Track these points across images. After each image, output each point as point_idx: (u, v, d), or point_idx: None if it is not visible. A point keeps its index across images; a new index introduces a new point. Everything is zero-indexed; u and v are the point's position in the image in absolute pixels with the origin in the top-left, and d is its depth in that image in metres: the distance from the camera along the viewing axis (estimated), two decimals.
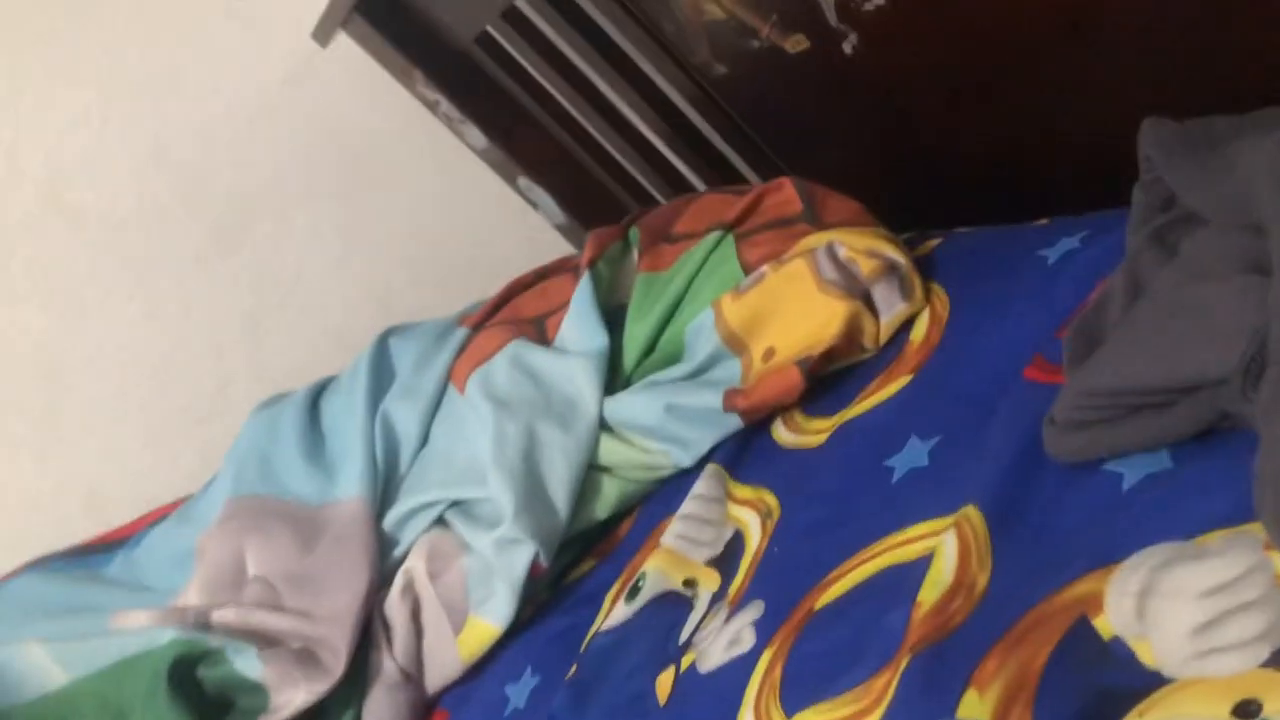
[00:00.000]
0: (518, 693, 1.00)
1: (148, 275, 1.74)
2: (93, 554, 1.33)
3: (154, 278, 1.74)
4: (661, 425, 1.04)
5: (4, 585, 1.27)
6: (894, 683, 0.63)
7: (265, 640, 1.08)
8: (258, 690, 1.05)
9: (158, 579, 1.24)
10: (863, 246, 0.99)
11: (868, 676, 0.66)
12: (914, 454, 0.84)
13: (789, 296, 1.00)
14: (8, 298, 1.67)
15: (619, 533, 1.08)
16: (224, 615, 1.12)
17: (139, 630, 1.11)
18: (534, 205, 1.69)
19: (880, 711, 0.63)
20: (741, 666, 0.79)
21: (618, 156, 1.56)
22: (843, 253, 1.00)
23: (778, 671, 0.76)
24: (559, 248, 1.69)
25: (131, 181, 1.68)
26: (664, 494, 1.06)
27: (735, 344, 1.03)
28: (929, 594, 0.68)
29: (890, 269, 0.98)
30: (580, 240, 1.64)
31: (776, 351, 1.01)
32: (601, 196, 1.63)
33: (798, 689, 0.72)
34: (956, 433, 0.84)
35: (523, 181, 1.67)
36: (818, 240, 1.02)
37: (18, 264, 1.66)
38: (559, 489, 1.05)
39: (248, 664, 1.06)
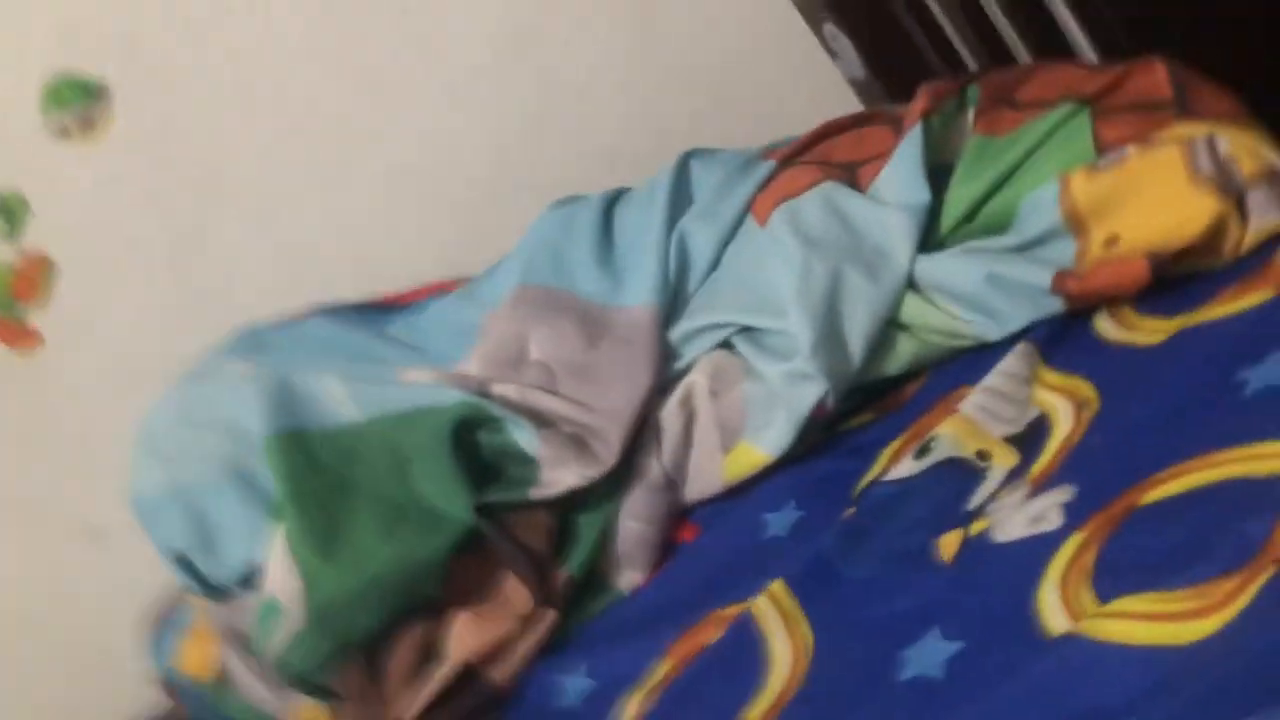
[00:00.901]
0: (778, 521, 1.01)
1: (446, 61, 1.78)
2: (374, 311, 1.40)
3: (451, 65, 1.78)
4: (977, 294, 1.01)
5: (298, 324, 1.36)
6: (1251, 589, 0.61)
7: (541, 420, 1.12)
8: (530, 464, 1.09)
9: (437, 346, 1.30)
10: (1247, 145, 0.92)
11: (1213, 576, 0.64)
12: (1277, 370, 0.78)
13: (1153, 183, 0.94)
14: (320, 69, 1.73)
15: (904, 393, 1.07)
16: (504, 389, 1.17)
17: (427, 386, 1.17)
18: (833, 54, 1.63)
19: (1230, 612, 0.61)
20: (1044, 544, 0.78)
21: (936, 10, 1.48)
22: (1224, 148, 0.92)
23: (1090, 555, 0.74)
24: (847, 105, 1.63)
25: None
26: (960, 364, 1.03)
27: (1076, 223, 0.98)
28: None
29: (1273, 174, 0.91)
30: (873, 99, 1.58)
31: (1121, 240, 0.96)
32: (907, 53, 1.55)
33: (1115, 576, 0.71)
34: None
35: (828, 28, 1.61)
36: (1196, 130, 0.94)
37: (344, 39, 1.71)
38: (857, 336, 1.04)
39: (525, 437, 1.10)
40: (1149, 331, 0.92)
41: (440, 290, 1.44)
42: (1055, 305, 0.98)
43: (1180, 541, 0.69)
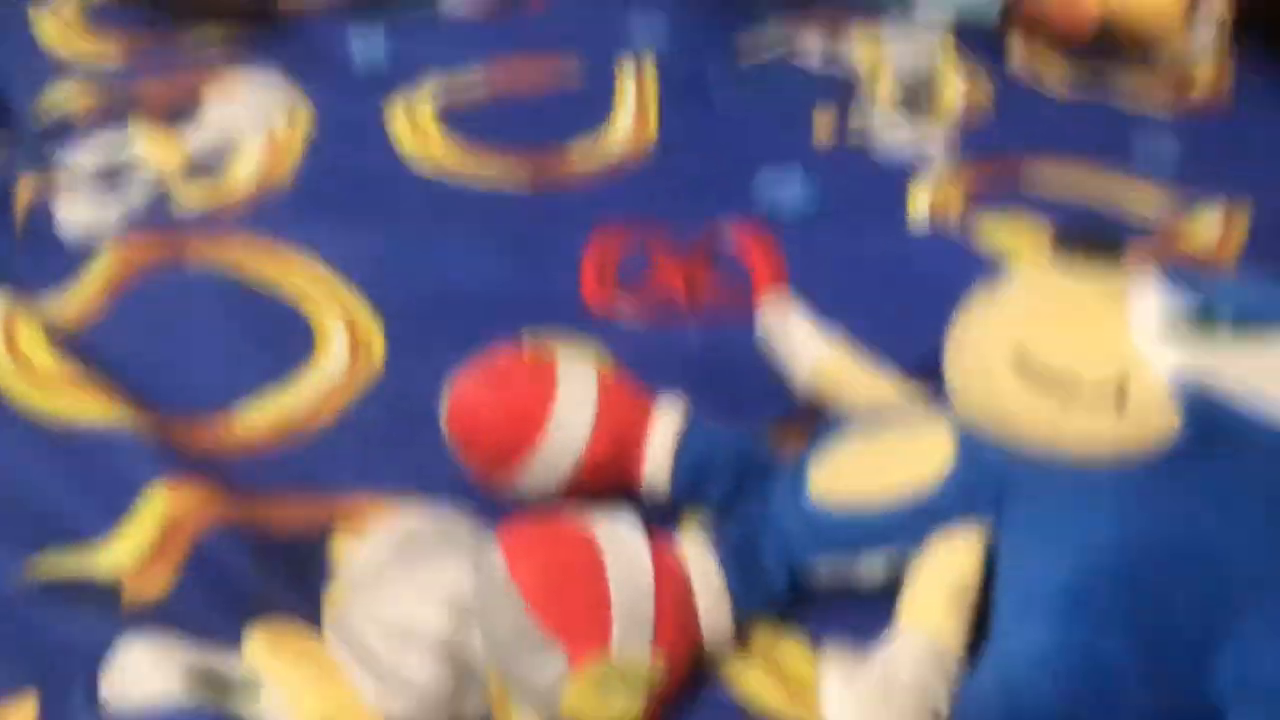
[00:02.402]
0: (645, 28, 0.95)
1: None
2: None
3: None
4: None
5: None
6: None
7: None
8: None
9: None
10: None
11: None
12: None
13: None
14: None
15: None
16: None
17: None
18: None
19: None
20: (921, 160, 0.80)
21: None
22: None
23: (966, 183, 0.77)
24: None
25: None
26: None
27: None
28: None
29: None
30: None
31: None
32: None
33: (989, 204, 0.74)
34: None
35: None
36: None
37: None
38: None
39: None
40: (1057, 79, 0.96)
41: None
42: (992, 12, 0.99)
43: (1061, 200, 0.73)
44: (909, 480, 0.44)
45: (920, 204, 0.75)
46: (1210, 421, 0.38)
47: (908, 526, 0.44)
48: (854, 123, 0.85)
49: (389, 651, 0.46)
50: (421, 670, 0.45)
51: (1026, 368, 0.40)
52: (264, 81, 0.87)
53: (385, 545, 0.50)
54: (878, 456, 0.46)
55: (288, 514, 0.52)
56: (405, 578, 0.48)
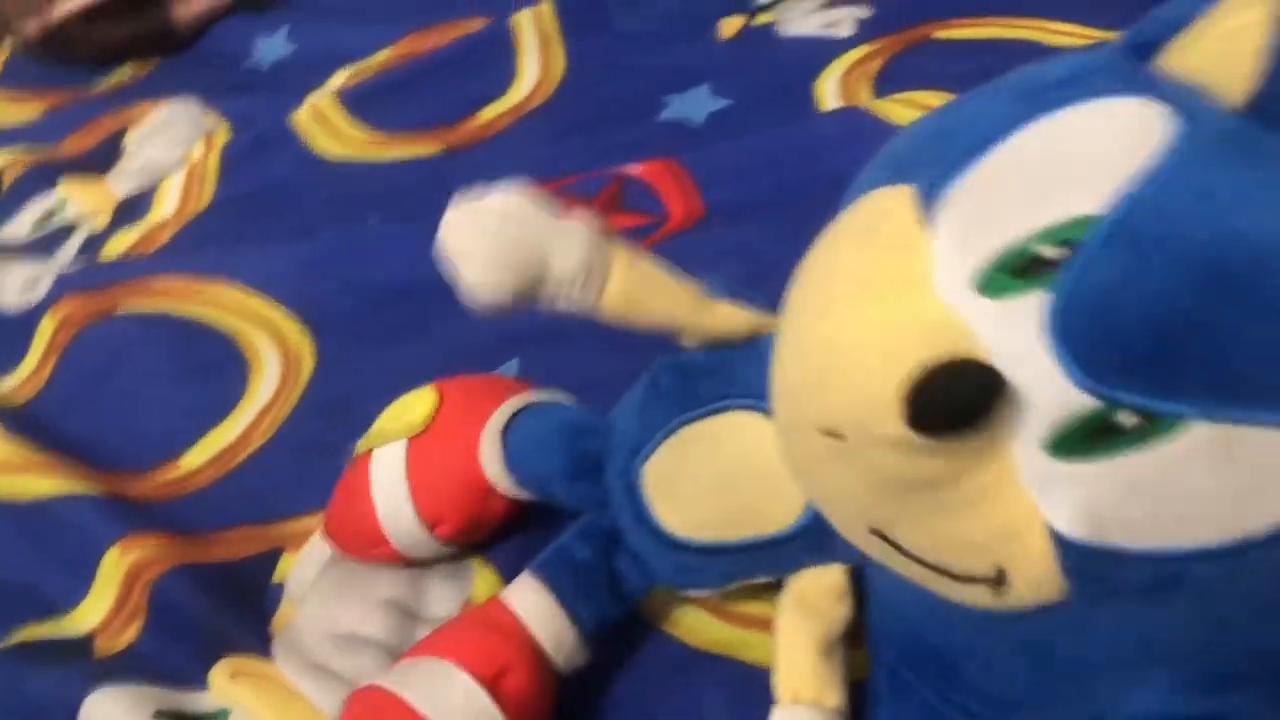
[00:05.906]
0: None
1: None
2: None
3: None
4: None
5: None
6: None
7: None
8: None
9: None
10: None
11: None
12: None
13: None
14: None
15: None
16: None
17: None
18: None
19: None
20: (831, 44, 0.78)
21: None
22: None
23: (877, 64, 0.75)
24: None
25: None
26: None
27: None
28: None
29: None
30: None
31: None
32: None
33: (897, 84, 0.72)
34: None
35: None
36: None
37: None
38: None
39: None
40: None
41: None
42: None
43: (967, 70, 0.71)
44: (762, 524, 0.41)
45: (830, 93, 0.73)
46: (1100, 576, 0.30)
47: (771, 561, 0.41)
48: (760, 16, 0.83)
49: (340, 660, 0.47)
50: (376, 673, 0.46)
51: (883, 537, 0.33)
52: (182, 110, 0.87)
53: (321, 556, 0.51)
54: (724, 495, 0.41)
55: (235, 546, 0.54)
56: (345, 586, 0.50)
